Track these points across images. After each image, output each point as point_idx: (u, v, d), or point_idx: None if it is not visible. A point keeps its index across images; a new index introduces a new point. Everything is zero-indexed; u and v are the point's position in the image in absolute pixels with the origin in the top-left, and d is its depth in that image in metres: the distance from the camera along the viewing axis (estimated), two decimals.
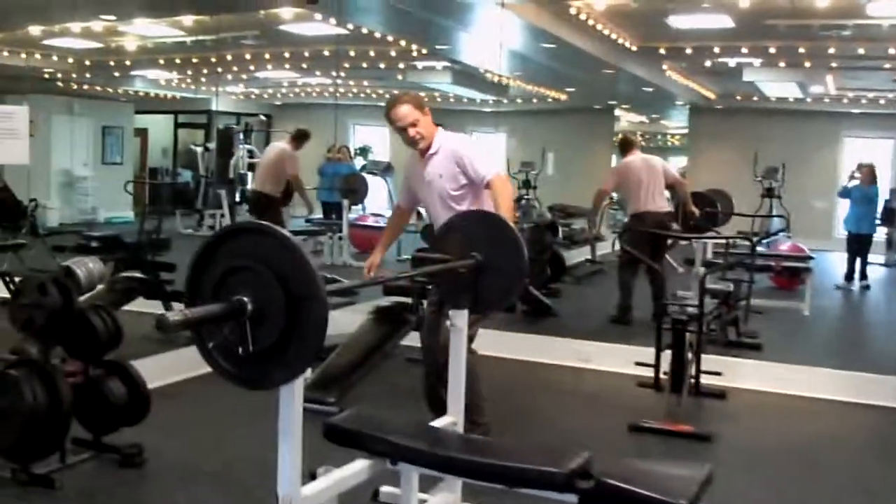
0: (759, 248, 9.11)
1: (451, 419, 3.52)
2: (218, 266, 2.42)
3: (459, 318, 3.54)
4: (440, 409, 3.85)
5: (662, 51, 10.81)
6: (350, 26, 9.50)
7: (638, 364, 5.59)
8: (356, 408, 3.33)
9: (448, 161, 4.33)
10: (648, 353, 5.47)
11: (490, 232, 3.60)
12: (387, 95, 17.69)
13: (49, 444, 3.85)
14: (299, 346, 2.37)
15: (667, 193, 8.35)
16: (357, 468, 2.92)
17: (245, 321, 2.36)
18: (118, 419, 4.20)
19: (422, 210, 4.92)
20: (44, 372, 3.79)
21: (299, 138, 9.30)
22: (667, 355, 5.28)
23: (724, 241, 8.10)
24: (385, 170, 18.45)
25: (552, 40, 9.47)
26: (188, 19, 9.77)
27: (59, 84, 15.60)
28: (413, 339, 5.74)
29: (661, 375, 5.33)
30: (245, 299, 2.36)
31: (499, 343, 6.84)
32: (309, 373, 5.20)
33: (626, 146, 8.39)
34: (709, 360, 5.61)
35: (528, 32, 9.26)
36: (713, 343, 6.56)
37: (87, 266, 3.99)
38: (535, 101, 16.61)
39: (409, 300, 6.17)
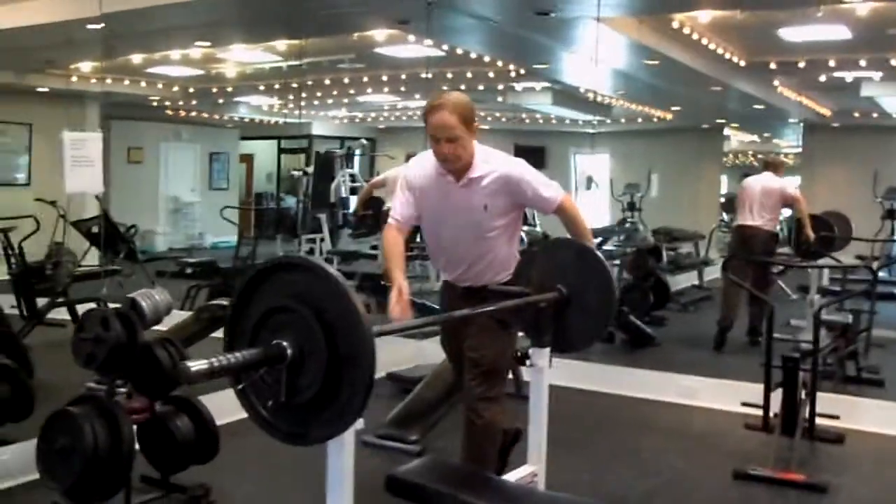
0: (881, 275, 8.47)
1: (532, 469, 3.19)
2: (259, 304, 2.17)
3: (541, 358, 3.22)
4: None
5: (773, 65, 10.24)
6: (445, 47, 9.31)
7: (745, 405, 5.14)
8: (427, 457, 3.04)
9: (499, 189, 3.52)
10: (758, 391, 5.02)
11: (576, 262, 3.28)
12: (488, 118, 17.69)
13: (110, 485, 3.67)
14: (340, 404, 2.09)
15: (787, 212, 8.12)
16: None
17: (282, 369, 2.10)
18: (186, 457, 4.01)
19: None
20: (105, 409, 3.62)
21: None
22: (778, 394, 4.82)
23: (840, 267, 7.54)
24: None
25: (655, 56, 9.06)
26: (282, 44, 9.74)
27: (168, 111, 15.91)
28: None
29: (771, 417, 4.87)
30: (285, 344, 2.10)
31: (595, 376, 6.49)
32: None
33: (764, 166, 8.52)
34: (824, 399, 5.11)
35: (629, 49, 8.88)
36: (829, 378, 6.05)
37: (152, 298, 3.83)
38: (639, 120, 16.13)
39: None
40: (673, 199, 15.37)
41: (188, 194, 18.00)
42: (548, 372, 3.24)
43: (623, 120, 16.29)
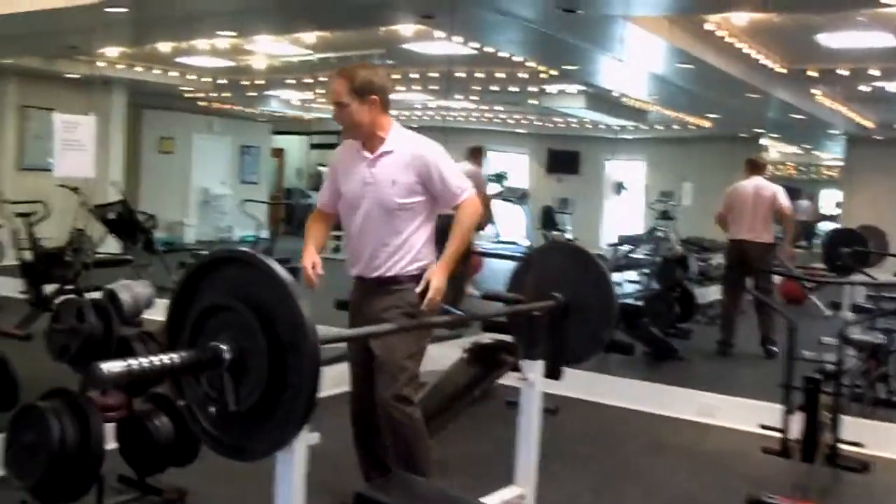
0: None
1: (519, 491, 2.96)
2: (197, 303, 1.96)
3: (533, 372, 2.98)
4: (376, 466, 3.57)
5: (813, 73, 9.90)
6: (475, 45, 9.08)
7: (764, 428, 4.84)
8: (398, 473, 2.81)
9: (407, 166, 3.46)
10: (779, 411, 4.72)
11: (574, 268, 3.04)
12: (523, 121, 17.46)
13: (79, 484, 3.48)
14: (283, 413, 1.87)
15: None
16: None
17: (222, 374, 1.89)
18: (164, 459, 3.82)
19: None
20: (76, 405, 3.43)
21: (480, 154, 9.26)
22: (800, 417, 4.53)
23: (872, 284, 7.22)
24: (521, 197, 17.99)
25: (688, 60, 8.76)
26: (311, 37, 9.57)
27: (200, 103, 15.84)
28: (515, 380, 5.19)
29: (791, 440, 4.57)
30: (223, 347, 1.88)
31: (609, 388, 6.24)
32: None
33: (748, 167, 8.27)
34: (851, 424, 4.80)
35: (661, 51, 8.59)
36: (858, 401, 5.73)
37: (132, 290, 3.64)
38: (674, 127, 15.81)
39: (509, 338, 5.61)
40: (706, 209, 15.01)
41: (218, 187, 17.94)
42: (540, 386, 2.99)
43: (658, 126, 15.97)
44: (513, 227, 18.11)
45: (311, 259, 3.51)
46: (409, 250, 3.50)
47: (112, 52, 11.46)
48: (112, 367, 1.71)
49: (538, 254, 3.22)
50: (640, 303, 8.28)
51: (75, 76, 11.74)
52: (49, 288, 7.57)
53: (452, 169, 3.54)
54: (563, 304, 2.94)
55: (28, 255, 8.20)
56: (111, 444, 3.74)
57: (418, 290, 3.38)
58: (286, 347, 1.85)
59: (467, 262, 9.90)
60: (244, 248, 1.96)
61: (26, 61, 11.86)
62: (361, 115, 3.44)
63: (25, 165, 12.83)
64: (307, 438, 2.01)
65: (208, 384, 1.93)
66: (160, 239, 12.39)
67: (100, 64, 11.94)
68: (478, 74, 11.20)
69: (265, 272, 1.88)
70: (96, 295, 6.20)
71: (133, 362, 1.75)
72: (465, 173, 9.31)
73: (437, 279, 3.40)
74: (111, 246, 10.63)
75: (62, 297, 7.44)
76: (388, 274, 3.50)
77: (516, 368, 4.95)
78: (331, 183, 3.70)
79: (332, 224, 3.82)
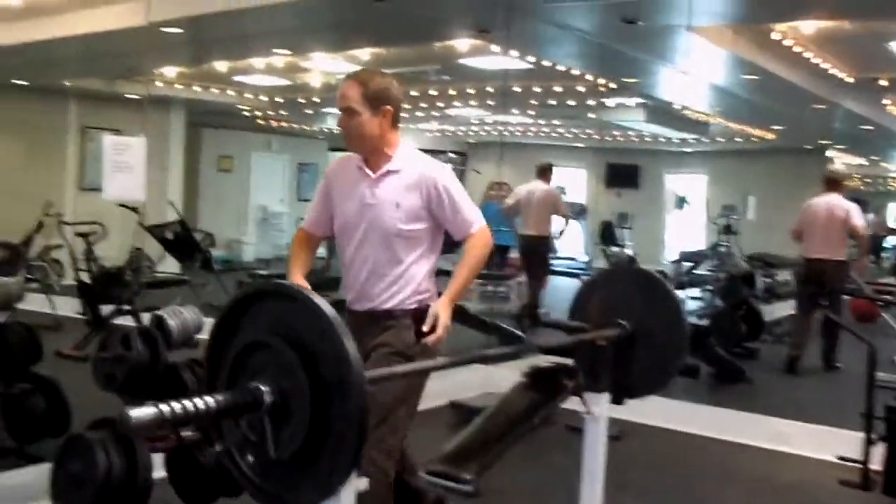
0: None
1: None
2: (237, 340, 1.83)
3: (597, 405, 2.81)
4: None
5: (884, 82, 9.56)
6: (531, 59, 8.95)
7: (842, 459, 4.58)
8: None
9: (413, 188, 3.11)
10: (858, 440, 4.46)
11: (641, 294, 2.85)
12: (581, 135, 17.28)
13: None
14: (331, 453, 1.73)
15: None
16: None
17: (263, 417, 1.75)
18: (215, 489, 3.70)
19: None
20: (122, 435, 3.33)
21: (550, 172, 9.33)
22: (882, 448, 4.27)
23: None
24: (580, 212, 17.75)
25: (753, 70, 8.52)
26: (366, 53, 9.52)
27: (258, 121, 15.94)
28: (575, 404, 5.00)
29: (872, 472, 4.31)
30: (263, 388, 1.75)
31: (673, 413, 5.98)
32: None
33: (825, 183, 8.05)
34: None
35: (725, 61, 8.36)
36: None
37: (180, 316, 3.55)
38: (737, 139, 15.46)
39: (569, 362, 5.43)
40: (771, 224, 14.64)
41: (276, 204, 18.02)
42: (605, 421, 2.82)
43: (720, 139, 15.64)
44: (571, 243, 17.89)
45: (296, 281, 3.10)
46: (410, 282, 3.15)
47: (170, 72, 11.55)
48: (142, 413, 1.58)
49: (602, 278, 3.03)
50: (704, 322, 8.02)
51: (135, 96, 11.86)
52: (107, 308, 7.57)
53: (465, 197, 3.23)
54: (630, 333, 2.77)
55: (86, 276, 8.23)
56: (160, 473, 3.65)
57: (425, 327, 3.03)
58: (330, 388, 1.71)
59: (542, 278, 9.76)
60: (285, 281, 1.82)
61: (87, 83, 12.02)
62: (371, 127, 3.10)
63: (86, 185, 12.98)
64: (355, 484, 1.85)
65: (248, 427, 1.80)
66: (218, 257, 12.45)
67: (158, 84, 12.05)
68: (535, 88, 11.08)
69: (306, 306, 1.74)
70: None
71: (165, 408, 1.62)
72: (538, 192, 9.30)
73: (445, 315, 3.06)
74: (170, 265, 10.68)
75: (119, 318, 7.48)
76: (384, 307, 3.15)
77: (577, 393, 4.78)
78: (321, 201, 3.32)
79: (317, 247, 3.48)
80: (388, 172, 3.14)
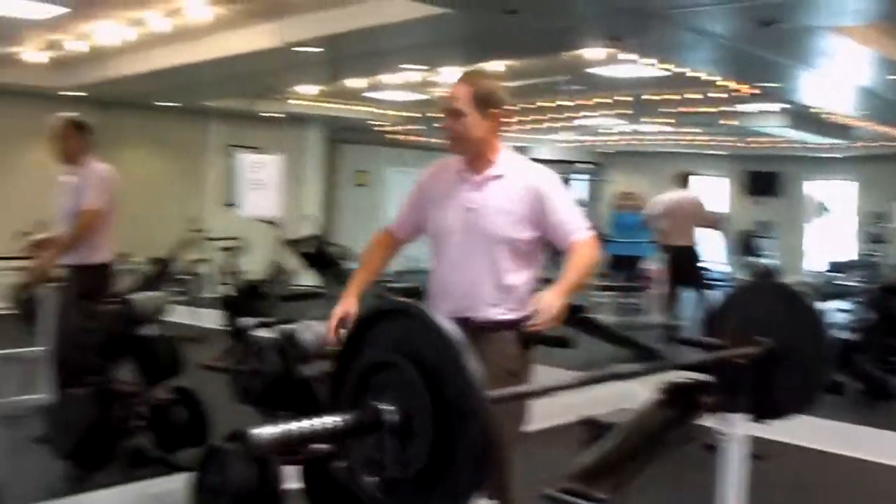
0: None
1: None
2: (361, 359, 1.83)
3: (737, 424, 2.69)
4: None
5: None
6: (665, 66, 8.76)
7: None
8: None
9: (519, 196, 3.02)
10: None
11: (783, 310, 2.73)
12: (718, 143, 16.77)
13: None
14: (454, 475, 1.71)
15: None
16: None
17: (386, 436, 1.75)
18: (349, 502, 3.75)
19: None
20: None
21: (688, 180, 9.32)
22: None
23: None
24: (718, 221, 17.26)
25: None
26: (496, 65, 9.53)
27: (392, 136, 16.19)
28: (712, 421, 4.84)
29: None
30: (387, 408, 1.74)
31: (816, 432, 5.69)
32: None
33: None
34: None
35: (873, 63, 7.97)
36: None
37: (314, 330, 3.61)
38: (886, 143, 14.72)
39: (707, 378, 5.25)
40: None
41: None
42: (744, 440, 2.70)
43: (867, 143, 14.93)
44: (710, 253, 17.42)
45: (346, 310, 3.11)
46: (511, 292, 3.05)
47: (307, 90, 11.86)
48: (268, 433, 1.60)
49: (741, 291, 2.91)
50: (853, 335, 7.65)
51: (274, 115, 12.23)
52: (247, 320, 7.79)
53: (572, 203, 3.14)
54: (770, 350, 2.64)
55: (228, 289, 8.53)
56: (297, 485, 3.72)
57: (531, 308, 2.84)
58: (453, 408, 1.69)
59: (700, 288, 9.56)
60: (408, 300, 1.81)
61: (230, 103, 12.47)
62: (478, 129, 3.03)
63: (228, 202, 13.46)
64: None
65: (373, 445, 1.80)
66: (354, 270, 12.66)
67: (297, 102, 12.40)
68: (669, 96, 10.85)
69: (430, 327, 1.72)
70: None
71: (290, 427, 1.64)
72: (684, 201, 9.10)
73: (553, 302, 2.82)
74: (308, 278, 10.94)
75: (259, 330, 7.69)
76: (486, 317, 3.04)
77: (715, 410, 4.62)
78: (412, 205, 3.26)
79: (395, 251, 3.39)
80: (492, 177, 3.08)
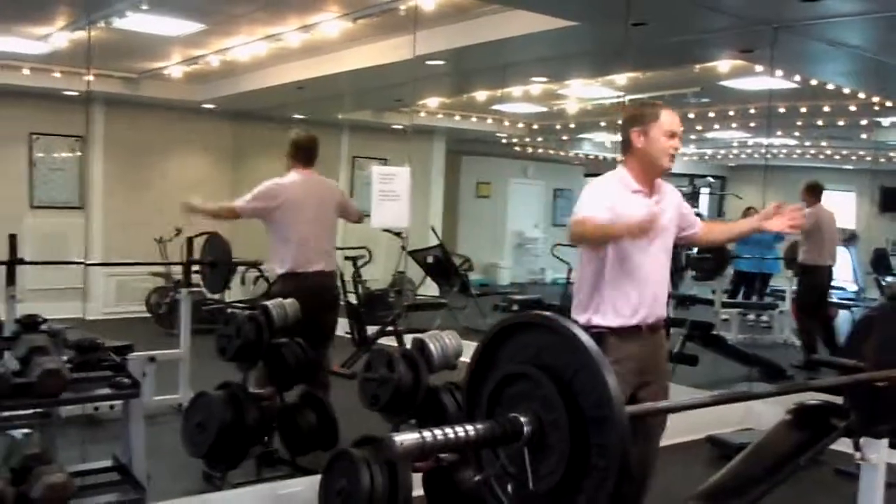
0: None
1: None
2: (495, 371, 1.86)
3: (875, 450, 2.61)
4: None
5: None
6: (797, 78, 8.52)
7: None
8: None
9: (675, 209, 3.54)
10: None
11: None
12: (851, 157, 16.10)
13: None
14: (590, 490, 1.71)
15: None
16: None
17: (522, 449, 1.77)
18: None
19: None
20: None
21: (821, 193, 8.93)
22: None
23: None
24: (849, 238, 16.62)
25: None
26: (622, 78, 9.46)
27: (515, 148, 16.23)
28: (844, 446, 4.66)
29: None
30: (522, 419, 1.77)
31: None
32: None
33: None
34: None
35: None
36: None
37: (441, 340, 3.66)
38: None
39: (838, 400, 5.07)
40: None
41: (531, 230, 18.23)
42: (883, 468, 2.61)
43: None
44: (840, 271, 16.77)
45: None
46: (667, 292, 3.52)
47: (432, 102, 12.01)
48: (406, 439, 1.64)
49: (882, 311, 2.81)
50: None
51: (399, 127, 12.42)
52: (372, 328, 7.96)
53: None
54: None
55: (354, 297, 8.71)
56: (418, 492, 3.77)
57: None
58: (589, 423, 1.70)
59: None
60: (543, 312, 1.83)
61: (357, 115, 12.72)
62: None
63: None
64: None
65: (507, 458, 1.82)
66: (476, 281, 12.75)
67: (422, 114, 12.56)
68: (800, 108, 10.53)
69: (566, 338, 1.74)
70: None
71: (428, 434, 1.67)
72: (827, 216, 8.72)
73: None
74: (430, 288, 11.07)
75: (383, 338, 7.85)
76: (662, 318, 3.49)
77: (850, 435, 4.46)
78: (608, 210, 3.31)
79: None
80: (662, 194, 3.47)
